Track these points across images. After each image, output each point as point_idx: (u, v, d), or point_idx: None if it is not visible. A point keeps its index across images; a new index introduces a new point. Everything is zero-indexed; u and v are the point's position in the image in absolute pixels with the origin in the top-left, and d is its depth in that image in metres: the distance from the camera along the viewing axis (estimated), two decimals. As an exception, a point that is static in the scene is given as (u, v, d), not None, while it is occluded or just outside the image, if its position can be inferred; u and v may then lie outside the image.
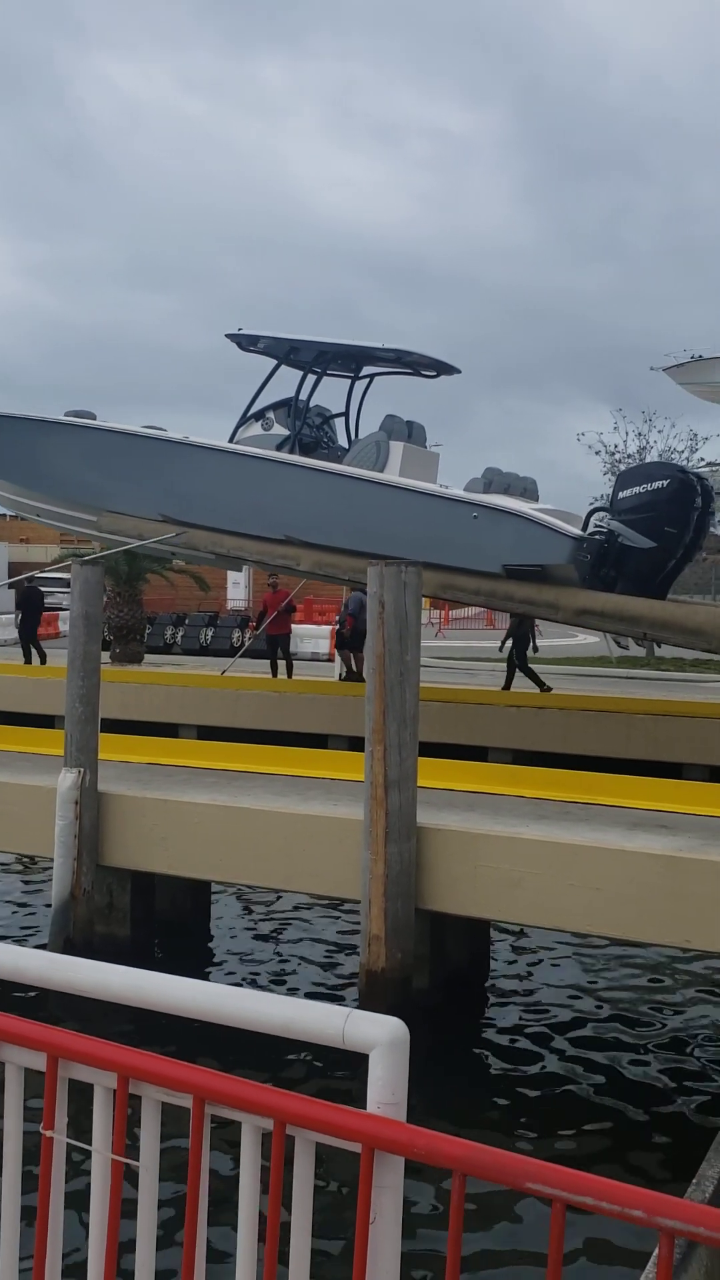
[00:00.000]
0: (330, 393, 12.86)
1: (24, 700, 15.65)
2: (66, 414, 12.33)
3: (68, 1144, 2.35)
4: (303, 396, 11.65)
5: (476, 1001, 8.36)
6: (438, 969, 7.80)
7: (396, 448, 10.91)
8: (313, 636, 27.98)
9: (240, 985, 7.76)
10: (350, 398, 12.32)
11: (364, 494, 10.45)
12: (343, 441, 12.23)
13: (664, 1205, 1.84)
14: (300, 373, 11.73)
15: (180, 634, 30.18)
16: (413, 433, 11.39)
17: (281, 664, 19.47)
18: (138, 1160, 2.28)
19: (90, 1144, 2.33)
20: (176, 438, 11.72)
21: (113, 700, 12.03)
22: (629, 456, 39.93)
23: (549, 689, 16.56)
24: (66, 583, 10.10)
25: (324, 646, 26.61)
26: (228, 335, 11.77)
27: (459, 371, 12.03)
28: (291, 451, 11.32)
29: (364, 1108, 2.13)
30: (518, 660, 17.32)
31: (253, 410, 11.82)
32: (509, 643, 17.51)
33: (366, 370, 12.18)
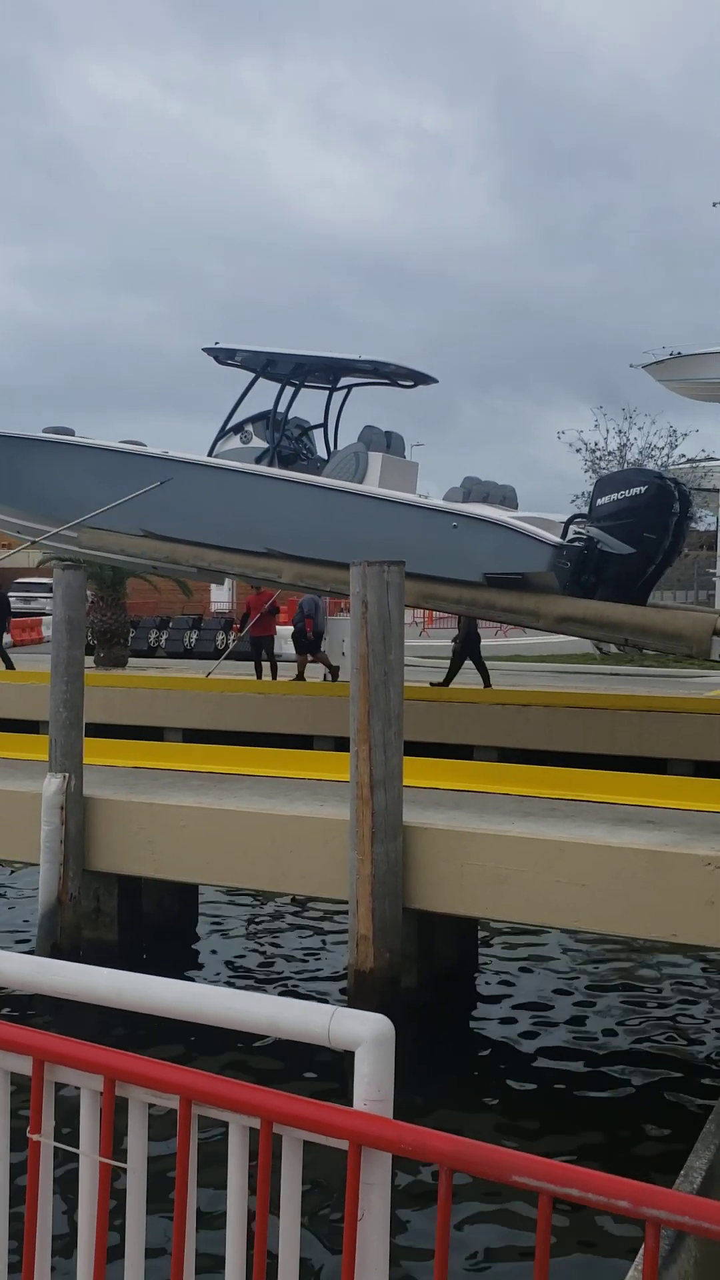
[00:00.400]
0: (308, 404, 12.90)
1: (7, 706, 15.59)
2: (44, 430, 12.32)
3: (55, 1147, 2.35)
4: (281, 409, 11.67)
5: (465, 999, 8.37)
6: (426, 968, 7.81)
7: (375, 458, 10.96)
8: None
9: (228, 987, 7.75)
10: (328, 409, 12.37)
11: (344, 505, 10.48)
12: (322, 453, 12.25)
13: (649, 1195, 1.85)
14: (278, 385, 11.74)
15: (164, 637, 30.13)
16: (391, 443, 11.45)
17: (266, 665, 19.46)
18: (125, 1162, 2.28)
19: (78, 1147, 2.33)
20: (156, 453, 11.72)
21: (97, 704, 11.99)
22: (609, 454, 40.05)
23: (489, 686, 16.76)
24: (48, 587, 10.07)
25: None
26: (205, 349, 11.78)
27: (436, 381, 12.12)
28: (271, 464, 11.34)
29: (351, 1105, 2.14)
30: (470, 654, 17.46)
31: (231, 423, 11.84)
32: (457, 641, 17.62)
33: (344, 381, 12.22)
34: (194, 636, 30.01)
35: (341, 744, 9.32)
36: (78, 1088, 2.33)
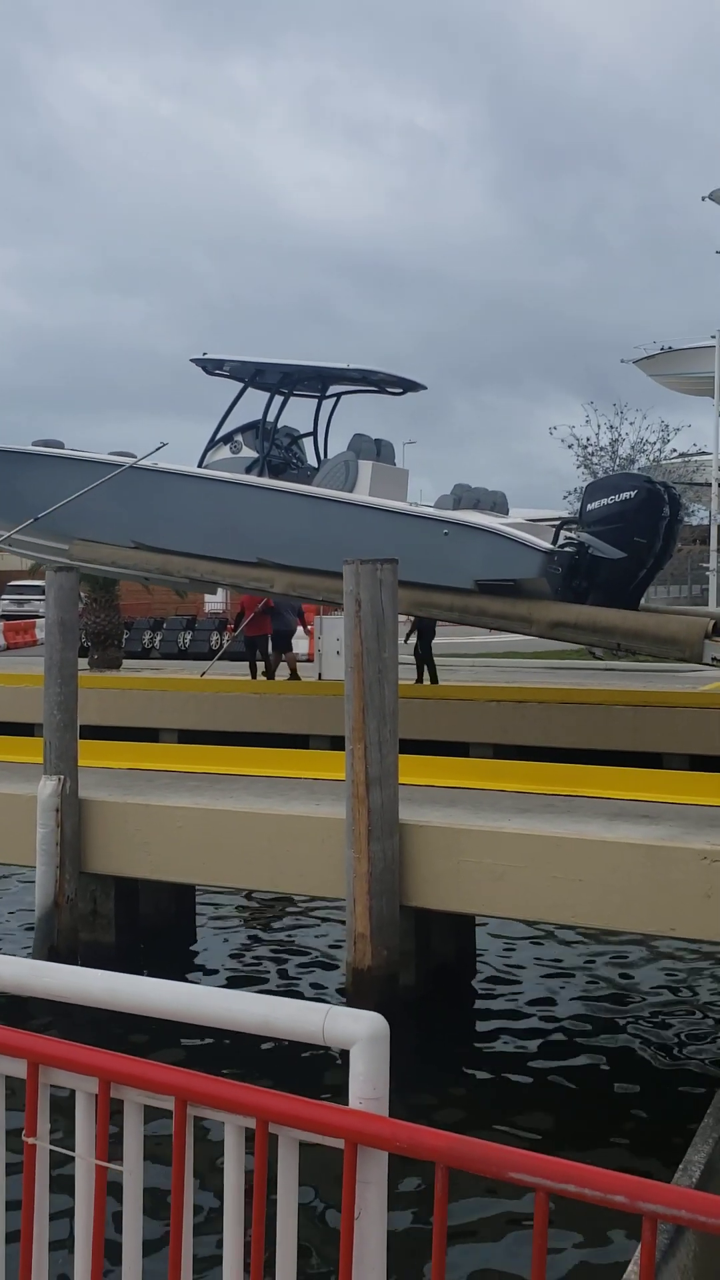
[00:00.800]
0: (298, 412, 12.85)
1: (1, 709, 15.57)
2: (34, 444, 12.31)
3: (51, 1150, 2.34)
4: (270, 418, 11.67)
5: (463, 996, 8.38)
6: (424, 965, 7.81)
7: (365, 466, 10.98)
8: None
9: (226, 988, 7.74)
10: (318, 418, 12.39)
11: (335, 514, 10.49)
12: (312, 461, 12.26)
13: (646, 1190, 1.85)
14: (267, 395, 11.74)
15: (158, 638, 30.09)
16: (381, 451, 11.47)
17: (259, 665, 19.45)
18: (121, 1164, 2.28)
19: (74, 1149, 2.33)
20: (146, 464, 11.71)
21: (92, 706, 11.99)
22: (601, 450, 40.09)
23: (436, 683, 16.84)
24: (42, 590, 10.05)
25: (303, 647, 26.59)
26: (193, 360, 11.78)
27: (424, 388, 12.17)
28: (261, 474, 11.35)
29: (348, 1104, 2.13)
30: (422, 651, 17.50)
31: (220, 433, 11.83)
32: (413, 637, 17.68)
33: (333, 390, 12.24)
34: (188, 637, 29.97)
35: (337, 743, 9.34)
36: (73, 1090, 2.32)
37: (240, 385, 11.85)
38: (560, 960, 9.19)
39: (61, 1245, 2.52)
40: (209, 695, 15.57)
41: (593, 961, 9.20)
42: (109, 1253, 2.32)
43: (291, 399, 11.89)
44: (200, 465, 11.72)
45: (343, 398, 12.40)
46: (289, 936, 9.97)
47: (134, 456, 12.12)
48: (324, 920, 10.17)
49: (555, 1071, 7.12)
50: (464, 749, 13.09)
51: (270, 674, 19.41)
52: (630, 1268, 3.35)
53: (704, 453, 40.23)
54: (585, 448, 40.43)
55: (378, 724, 7.27)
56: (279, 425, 11.87)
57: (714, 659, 9.28)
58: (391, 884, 7.20)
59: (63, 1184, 2.46)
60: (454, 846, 7.20)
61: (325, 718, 13.64)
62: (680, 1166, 4.17)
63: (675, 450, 41.40)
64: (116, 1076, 2.25)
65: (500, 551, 9.91)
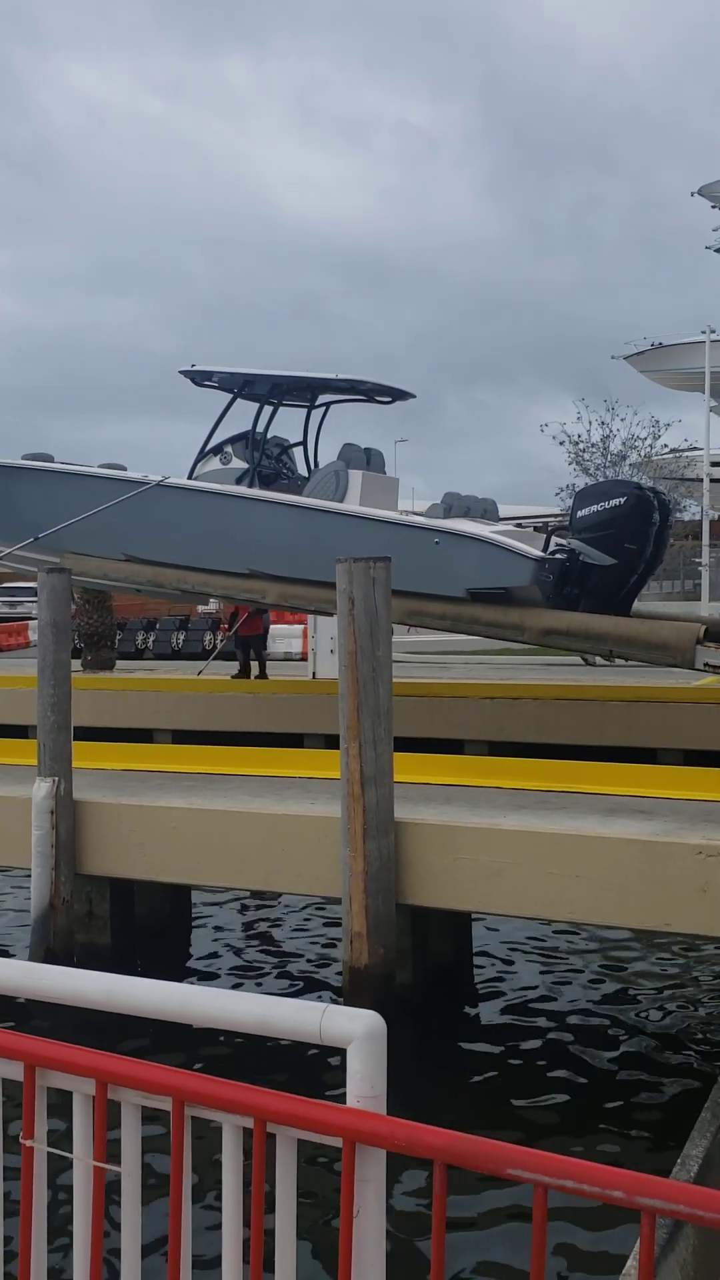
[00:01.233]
0: (287, 421, 12.85)
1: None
2: (24, 457, 12.30)
3: (48, 1152, 2.34)
4: (259, 429, 11.68)
5: (460, 994, 8.38)
6: (421, 963, 7.81)
7: (355, 476, 11.01)
8: (286, 636, 27.95)
9: (222, 988, 7.74)
10: (307, 427, 12.40)
11: (326, 524, 10.50)
12: (303, 471, 12.28)
13: (644, 1185, 1.85)
14: (256, 406, 11.75)
15: (152, 639, 30.07)
16: (371, 460, 11.50)
17: (248, 664, 19.45)
18: (119, 1166, 2.27)
19: (70, 1151, 2.32)
20: (135, 477, 11.73)
21: (85, 707, 11.97)
22: (593, 446, 40.13)
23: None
24: (34, 591, 10.03)
25: (296, 646, 26.59)
26: (181, 371, 11.79)
27: (413, 396, 12.22)
28: (251, 484, 11.36)
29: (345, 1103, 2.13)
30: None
31: (210, 445, 11.84)
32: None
33: (322, 399, 12.26)
34: (181, 638, 29.96)
35: (332, 741, 9.32)
36: (70, 1092, 2.32)
37: (229, 396, 11.86)
38: (557, 956, 9.20)
39: (60, 1247, 2.52)
40: (203, 695, 15.55)
41: (589, 957, 9.21)
42: (107, 1254, 2.32)
43: (280, 409, 11.91)
44: (190, 477, 11.75)
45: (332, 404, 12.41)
46: (285, 936, 9.96)
47: (124, 468, 12.13)
48: (320, 919, 10.17)
49: (552, 1068, 7.13)
50: (459, 746, 13.10)
51: (263, 673, 19.41)
52: (629, 1263, 3.36)
53: (695, 448, 40.32)
54: (577, 444, 40.51)
55: (372, 722, 7.27)
56: (268, 435, 11.88)
57: (706, 664, 9.32)
58: (387, 882, 7.20)
59: (61, 1186, 2.46)
60: (450, 844, 7.20)
61: (319, 716, 13.64)
62: (678, 1161, 4.17)
63: (667, 446, 41.50)
64: (113, 1078, 2.24)
65: (491, 560, 9.97)
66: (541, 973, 8.83)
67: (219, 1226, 2.24)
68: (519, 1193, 5.05)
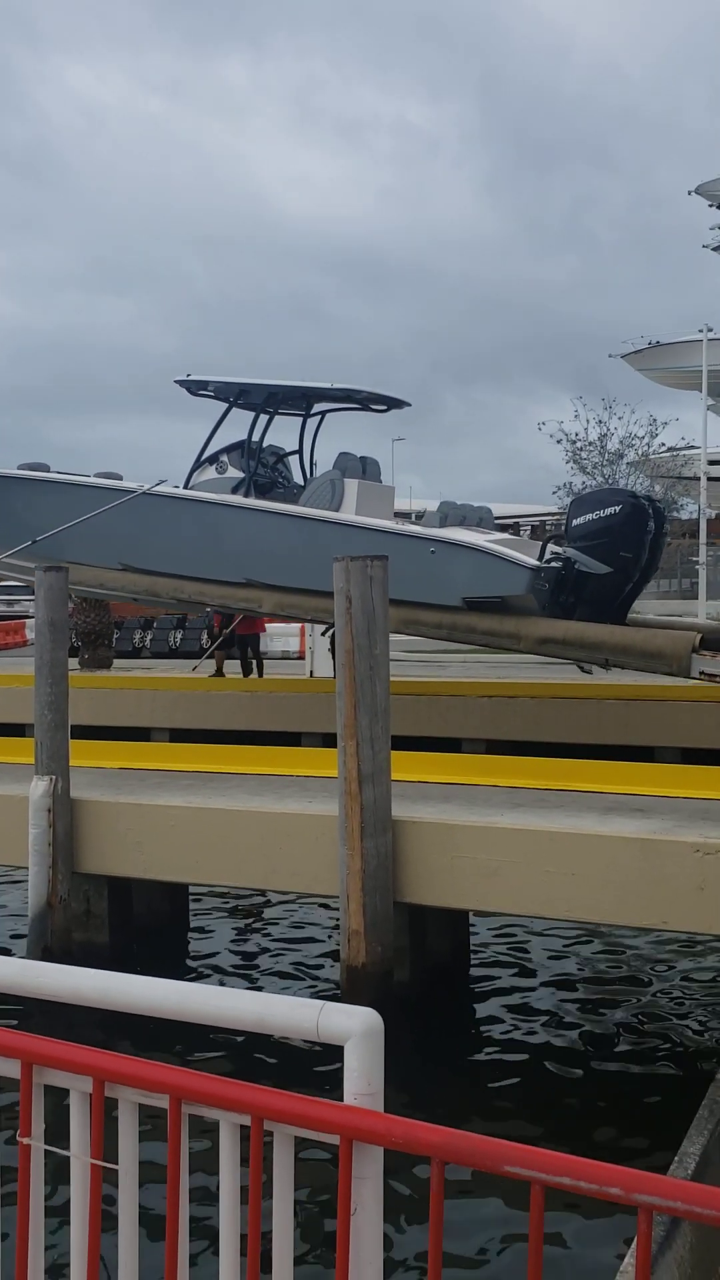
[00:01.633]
0: (283, 430, 12.84)
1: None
2: (20, 467, 12.30)
3: (45, 1150, 2.34)
4: (255, 438, 11.69)
5: (458, 992, 8.38)
6: (418, 961, 7.81)
7: (351, 485, 11.03)
8: (283, 634, 27.94)
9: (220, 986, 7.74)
10: (303, 436, 12.42)
11: (322, 534, 10.50)
12: (299, 479, 12.30)
13: (641, 1182, 1.86)
14: (251, 415, 11.76)
15: (149, 637, 30.04)
16: (367, 469, 11.54)
17: (251, 662, 19.45)
18: (116, 1163, 2.27)
19: (68, 1149, 2.32)
20: (132, 486, 11.74)
21: (83, 706, 11.96)
22: (590, 444, 40.14)
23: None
24: (31, 590, 10.03)
25: (294, 644, 26.59)
26: (176, 381, 11.80)
27: (408, 405, 12.27)
28: (247, 494, 11.37)
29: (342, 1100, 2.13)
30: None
31: (206, 454, 11.84)
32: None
33: (317, 408, 12.27)
34: (179, 636, 29.93)
35: (329, 740, 9.33)
36: (67, 1090, 2.32)
37: (224, 406, 11.87)
38: (554, 954, 9.21)
39: (57, 1245, 2.52)
40: (200, 694, 15.55)
41: (587, 955, 9.21)
42: (105, 1251, 2.32)
43: (276, 418, 11.93)
44: (186, 486, 11.76)
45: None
46: (283, 934, 9.96)
47: (119, 477, 12.14)
48: (318, 918, 10.17)
49: (550, 1065, 7.13)
50: (456, 745, 13.09)
51: (260, 671, 19.41)
52: (626, 1259, 3.36)
53: (692, 446, 40.30)
54: (574, 443, 40.53)
55: (370, 720, 7.27)
56: (264, 444, 11.90)
57: (701, 673, 9.34)
58: (385, 880, 7.20)
59: (58, 1183, 2.46)
60: (447, 842, 7.21)
61: (317, 715, 13.63)
62: (675, 1158, 4.17)
63: (664, 444, 41.51)
64: (111, 1075, 2.24)
65: (487, 569, 10.00)
66: (539, 971, 8.83)
67: (216, 1224, 2.24)
68: (516, 1190, 5.05)
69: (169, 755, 10.90)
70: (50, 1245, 2.44)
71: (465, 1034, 7.73)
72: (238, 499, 11.30)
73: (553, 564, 10.02)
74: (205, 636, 28.96)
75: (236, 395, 11.73)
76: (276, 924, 10.26)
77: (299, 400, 11.98)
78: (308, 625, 21.08)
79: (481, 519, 11.45)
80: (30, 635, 29.46)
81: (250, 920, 10.39)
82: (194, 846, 8.01)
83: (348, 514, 10.77)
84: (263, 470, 11.80)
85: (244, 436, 11.77)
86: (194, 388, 11.85)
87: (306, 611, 11.06)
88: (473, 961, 8.89)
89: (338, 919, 7.47)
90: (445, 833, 7.22)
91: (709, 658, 9.28)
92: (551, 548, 10.33)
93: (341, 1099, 2.14)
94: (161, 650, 29.37)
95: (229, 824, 7.90)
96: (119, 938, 8.70)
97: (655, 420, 40.86)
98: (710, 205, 43.15)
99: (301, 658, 21.89)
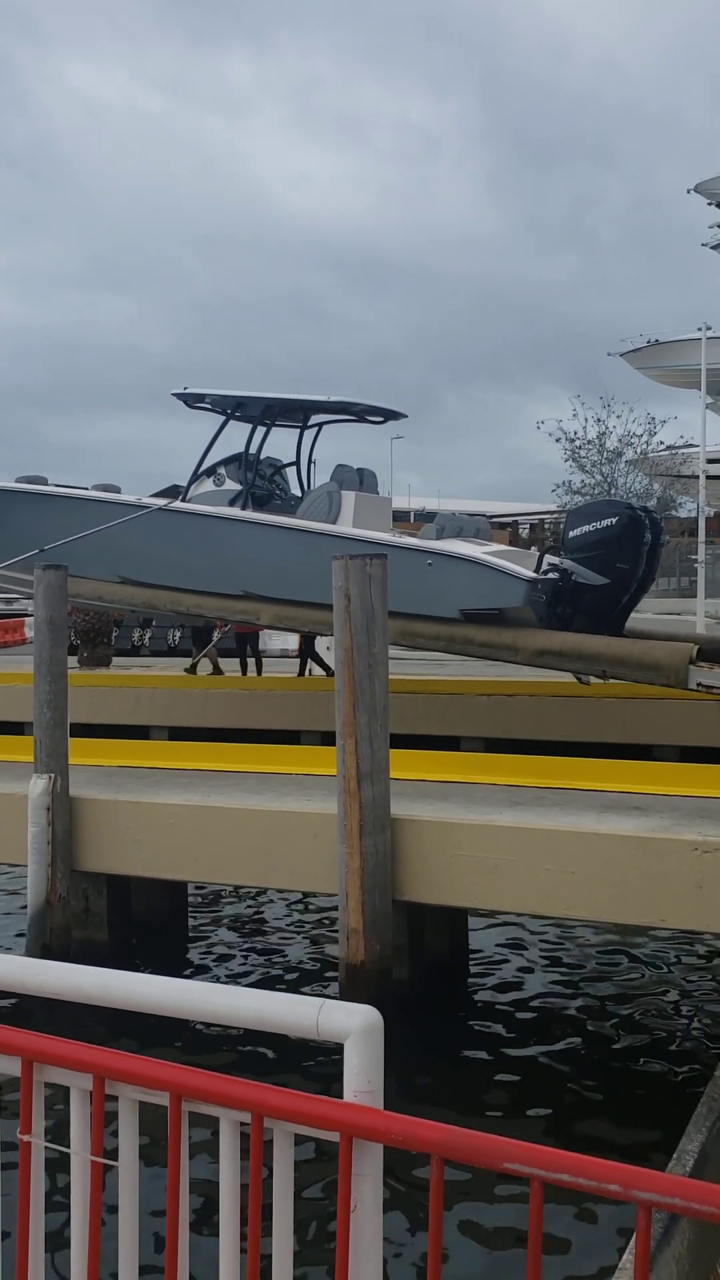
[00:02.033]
0: (279, 440, 12.90)
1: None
2: (18, 480, 12.32)
3: (45, 1147, 2.34)
4: (252, 450, 11.71)
5: (457, 990, 8.39)
6: (417, 959, 7.82)
7: (349, 497, 11.06)
8: (282, 633, 27.91)
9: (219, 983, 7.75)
10: (300, 448, 12.46)
11: (319, 546, 10.52)
12: (296, 490, 12.33)
13: (639, 1178, 1.86)
14: (249, 427, 11.77)
15: (148, 636, 30.04)
16: (364, 480, 11.57)
17: (249, 661, 19.47)
18: (116, 1160, 2.28)
19: (68, 1146, 2.33)
20: (130, 499, 11.75)
21: (82, 704, 11.96)
22: (588, 443, 40.16)
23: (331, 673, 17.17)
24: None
25: (293, 643, 26.56)
26: (174, 394, 11.81)
27: (405, 416, 12.35)
28: (245, 506, 11.39)
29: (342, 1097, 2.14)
30: (307, 648, 18.11)
31: (204, 467, 11.86)
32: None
33: (314, 420, 12.30)
34: (177, 635, 29.92)
35: (328, 738, 9.34)
36: (67, 1087, 2.32)
37: (221, 418, 11.87)
38: (553, 952, 9.22)
39: (58, 1242, 2.52)
40: (199, 692, 15.55)
41: (585, 953, 9.22)
42: (105, 1248, 2.32)
43: (274, 430, 11.95)
44: (184, 499, 11.78)
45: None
46: (282, 932, 9.97)
47: (117, 489, 12.17)
48: (317, 916, 10.18)
49: (549, 1063, 7.14)
50: (455, 743, 13.10)
51: (259, 670, 19.42)
52: (625, 1256, 3.37)
53: (691, 445, 40.30)
54: (573, 441, 40.55)
55: (368, 718, 7.28)
56: (261, 456, 11.92)
57: (699, 684, 9.36)
58: (384, 879, 7.21)
59: (58, 1181, 2.46)
60: (446, 840, 7.21)
61: (316, 713, 13.64)
62: (674, 1155, 4.19)
63: (663, 443, 41.52)
64: (111, 1073, 2.25)
65: (484, 581, 10.03)
66: (537, 968, 8.84)
67: (216, 1221, 2.24)
68: (515, 1186, 5.07)
69: (168, 753, 10.90)
70: (50, 1242, 2.44)
71: (464, 1031, 7.74)
72: (235, 511, 11.33)
73: (550, 575, 10.05)
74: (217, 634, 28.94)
75: (234, 408, 11.76)
76: (275, 922, 10.27)
77: (296, 412, 12.03)
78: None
79: (478, 529, 11.50)
80: (29, 633, 29.45)
81: (249, 918, 10.40)
82: (193, 845, 8.02)
83: (345, 526, 10.81)
84: (260, 482, 11.83)
85: (241, 449, 11.80)
86: (191, 400, 11.86)
87: (304, 624, 11.14)
88: (471, 959, 8.90)
89: (336, 917, 7.48)
90: (444, 831, 7.23)
91: (706, 669, 9.32)
92: (548, 559, 10.36)
93: (341, 1096, 2.14)
94: (160, 649, 29.36)
95: (228, 822, 7.91)
96: (118, 936, 8.71)
97: (654, 419, 40.89)
98: (709, 203, 43.14)
99: (298, 656, 21.85)
